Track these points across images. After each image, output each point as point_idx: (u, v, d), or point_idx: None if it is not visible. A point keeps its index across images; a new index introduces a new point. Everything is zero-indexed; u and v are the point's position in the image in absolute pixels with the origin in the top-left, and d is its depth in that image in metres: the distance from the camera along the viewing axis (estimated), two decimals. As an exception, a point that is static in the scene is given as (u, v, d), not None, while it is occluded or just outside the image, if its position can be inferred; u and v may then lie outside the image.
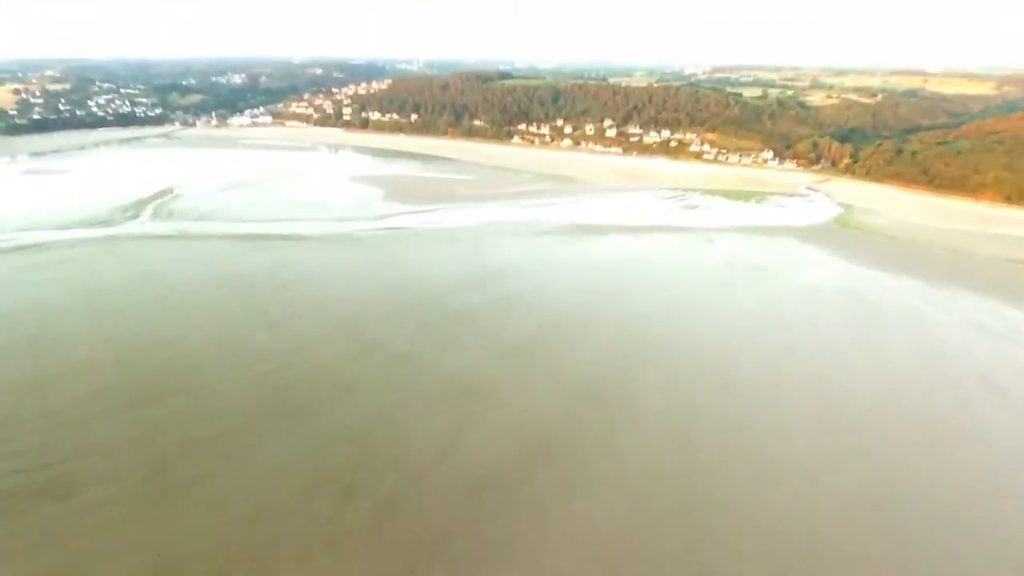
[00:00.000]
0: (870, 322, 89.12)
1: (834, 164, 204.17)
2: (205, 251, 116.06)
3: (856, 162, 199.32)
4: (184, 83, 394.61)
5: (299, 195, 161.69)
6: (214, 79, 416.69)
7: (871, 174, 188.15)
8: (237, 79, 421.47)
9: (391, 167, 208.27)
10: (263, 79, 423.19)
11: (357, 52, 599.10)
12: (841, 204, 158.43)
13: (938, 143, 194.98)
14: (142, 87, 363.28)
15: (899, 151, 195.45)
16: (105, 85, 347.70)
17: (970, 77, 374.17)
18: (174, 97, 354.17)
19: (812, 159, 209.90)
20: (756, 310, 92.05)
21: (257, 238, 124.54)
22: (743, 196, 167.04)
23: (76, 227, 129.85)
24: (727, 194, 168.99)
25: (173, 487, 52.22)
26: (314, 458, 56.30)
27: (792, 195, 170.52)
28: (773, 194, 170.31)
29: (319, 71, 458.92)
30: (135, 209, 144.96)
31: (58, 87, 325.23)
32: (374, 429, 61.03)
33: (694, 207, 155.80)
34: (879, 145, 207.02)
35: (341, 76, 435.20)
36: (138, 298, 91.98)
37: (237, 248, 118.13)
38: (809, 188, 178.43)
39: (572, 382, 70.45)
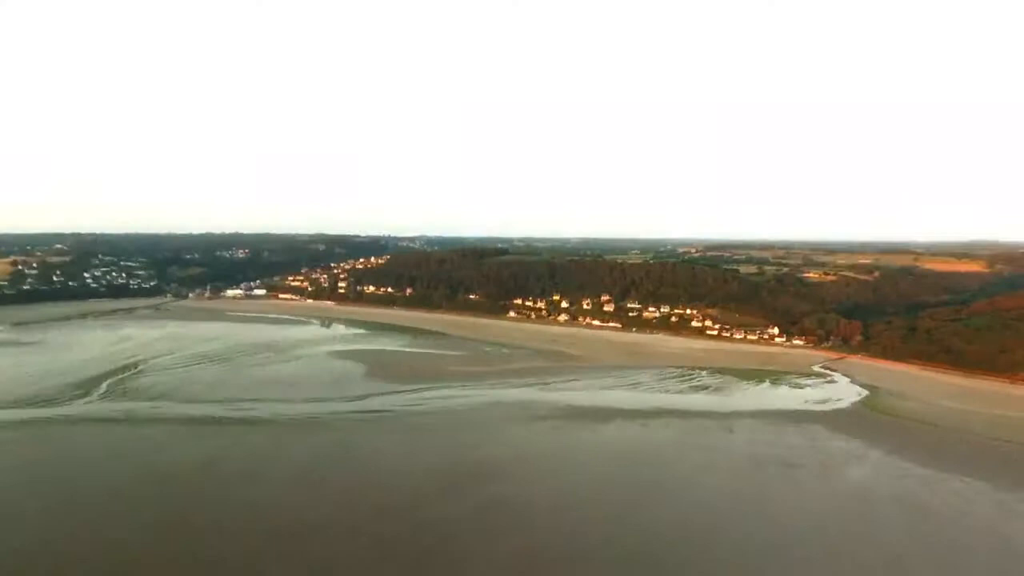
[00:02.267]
0: (943, 542, 71.11)
1: (845, 341, 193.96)
2: (144, 439, 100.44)
3: (868, 339, 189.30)
4: (187, 256, 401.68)
5: (272, 372, 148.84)
6: (218, 253, 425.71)
7: (888, 352, 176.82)
8: (240, 253, 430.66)
9: (378, 341, 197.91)
10: (266, 254, 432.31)
11: (363, 229, 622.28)
12: (865, 385, 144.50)
13: (952, 320, 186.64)
14: (143, 260, 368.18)
15: (912, 328, 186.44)
16: (106, 258, 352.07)
17: (959, 256, 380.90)
18: (173, 270, 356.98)
19: (821, 336, 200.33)
20: (798, 526, 74.12)
21: (211, 422, 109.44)
22: (756, 376, 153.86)
23: (12, 407, 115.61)
24: (738, 373, 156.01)
25: None
26: None
27: (809, 375, 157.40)
28: (788, 373, 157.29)
29: (322, 247, 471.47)
30: (88, 386, 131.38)
31: (57, 259, 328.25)
32: None
33: (704, 388, 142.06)
34: (889, 322, 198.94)
35: (343, 252, 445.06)
36: (33, 503, 74.87)
37: (183, 435, 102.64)
38: (824, 367, 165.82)
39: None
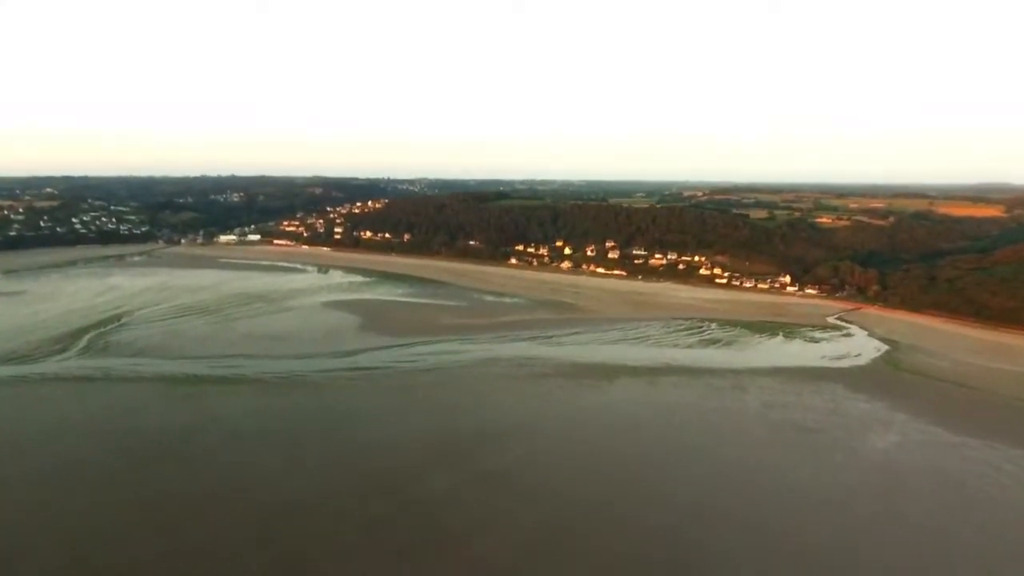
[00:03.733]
0: (978, 522, 64.97)
1: (861, 290, 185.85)
2: (122, 400, 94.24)
3: (886, 288, 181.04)
4: (180, 201, 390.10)
5: (261, 325, 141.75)
6: (212, 197, 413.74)
7: (906, 303, 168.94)
8: (235, 197, 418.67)
9: (374, 291, 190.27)
10: (261, 198, 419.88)
11: (361, 171, 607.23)
12: (884, 340, 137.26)
13: (974, 269, 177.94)
14: (135, 204, 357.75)
15: (932, 277, 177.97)
16: (96, 202, 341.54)
17: (975, 200, 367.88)
18: (166, 215, 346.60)
19: (835, 285, 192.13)
20: (823, 504, 67.88)
21: (193, 381, 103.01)
22: (768, 328, 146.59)
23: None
24: (750, 326, 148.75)
25: None
26: None
27: (824, 327, 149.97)
28: (802, 326, 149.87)
29: (319, 191, 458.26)
30: (67, 341, 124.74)
31: (45, 204, 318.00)
32: None
33: (715, 342, 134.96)
34: (907, 271, 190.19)
35: (340, 196, 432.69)
36: (-8, 478, 68.86)
37: (162, 395, 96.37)
38: (840, 319, 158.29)
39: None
